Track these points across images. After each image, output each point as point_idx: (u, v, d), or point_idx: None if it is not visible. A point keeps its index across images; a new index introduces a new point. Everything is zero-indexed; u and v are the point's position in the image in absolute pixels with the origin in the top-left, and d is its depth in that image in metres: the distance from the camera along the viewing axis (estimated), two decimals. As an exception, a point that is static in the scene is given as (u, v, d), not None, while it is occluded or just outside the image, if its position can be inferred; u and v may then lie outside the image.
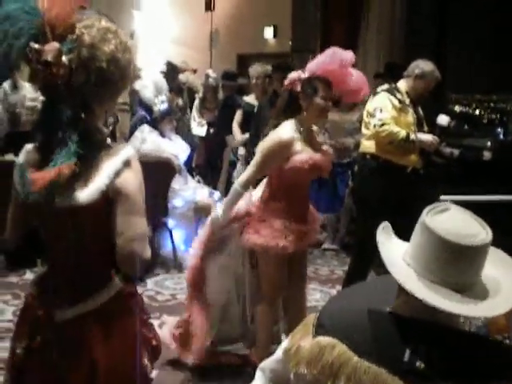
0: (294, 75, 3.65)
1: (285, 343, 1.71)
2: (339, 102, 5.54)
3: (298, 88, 3.59)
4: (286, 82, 3.68)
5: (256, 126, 6.06)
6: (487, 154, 5.83)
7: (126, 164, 1.89)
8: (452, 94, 7.71)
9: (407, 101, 4.54)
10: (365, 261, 4.60)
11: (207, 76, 7.24)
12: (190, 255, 3.83)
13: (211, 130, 6.99)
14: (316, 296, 5.17)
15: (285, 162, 3.47)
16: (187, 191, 5.70)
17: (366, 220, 4.14)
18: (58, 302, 1.95)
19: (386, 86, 4.61)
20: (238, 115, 6.46)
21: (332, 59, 3.65)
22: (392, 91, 4.53)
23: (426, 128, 4.70)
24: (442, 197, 5.00)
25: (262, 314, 3.74)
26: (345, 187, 6.41)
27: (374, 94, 4.61)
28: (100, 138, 1.96)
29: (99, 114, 1.97)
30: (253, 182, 3.63)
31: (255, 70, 6.43)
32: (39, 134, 1.94)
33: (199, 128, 7.13)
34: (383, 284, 1.69)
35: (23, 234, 2.13)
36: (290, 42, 9.45)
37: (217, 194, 6.07)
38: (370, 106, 4.56)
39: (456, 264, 1.50)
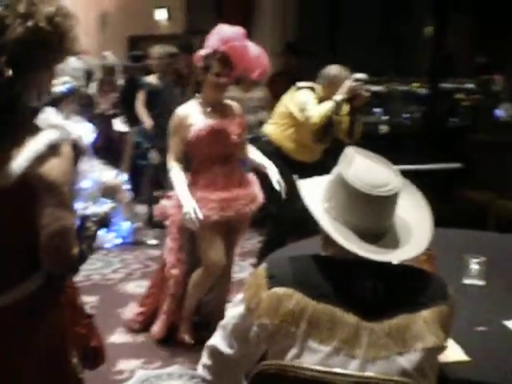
0: (198, 53, 3.77)
1: (239, 298, 1.79)
2: (240, 80, 5.65)
3: (200, 65, 3.74)
4: (195, 61, 3.79)
5: (160, 105, 6.12)
6: (383, 128, 6.16)
7: (53, 149, 1.67)
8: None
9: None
10: (281, 231, 4.80)
11: (104, 58, 7.17)
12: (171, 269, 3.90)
13: (112, 112, 6.93)
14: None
15: (187, 135, 3.67)
16: (94, 172, 5.67)
17: (273, 191, 4.28)
18: None
19: (306, 84, 4.73)
20: (141, 96, 6.46)
21: (218, 36, 3.76)
22: (313, 90, 4.70)
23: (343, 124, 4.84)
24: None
25: (192, 283, 3.87)
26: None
27: (297, 88, 4.72)
28: (28, 113, 1.76)
29: (31, 84, 1.74)
30: (178, 158, 3.71)
31: (156, 51, 6.46)
32: None
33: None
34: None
35: None
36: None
37: (124, 176, 6.08)
38: (296, 100, 4.66)
39: (370, 212, 1.67)
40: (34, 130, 1.71)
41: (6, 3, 1.68)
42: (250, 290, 1.74)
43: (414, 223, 1.78)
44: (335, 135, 4.89)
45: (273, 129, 4.83)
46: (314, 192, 1.79)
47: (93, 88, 7.20)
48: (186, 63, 5.88)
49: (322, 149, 4.92)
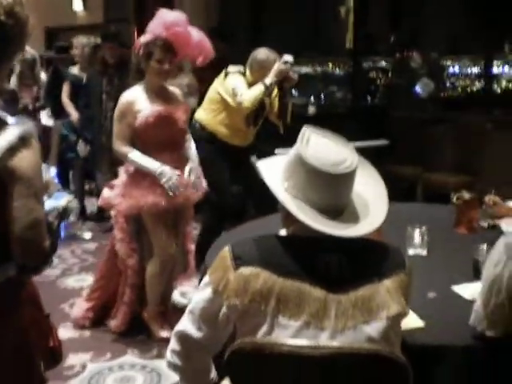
0: (138, 40, 3.74)
1: (205, 282, 1.80)
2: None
3: (141, 53, 3.70)
4: (135, 47, 3.75)
5: (86, 97, 6.03)
6: (312, 109, 6.25)
7: (23, 141, 1.67)
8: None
9: None
10: (219, 217, 4.84)
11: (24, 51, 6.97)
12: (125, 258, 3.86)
13: (37, 105, 6.78)
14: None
15: (134, 122, 3.64)
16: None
17: (210, 177, 4.30)
18: None
19: (236, 69, 4.74)
20: (66, 87, 6.33)
21: (160, 21, 3.74)
22: (244, 74, 4.72)
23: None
24: (276, 150, 5.31)
25: (150, 275, 3.87)
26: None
27: (227, 73, 4.72)
28: None
29: None
30: (127, 143, 3.68)
31: (79, 41, 6.35)
32: None
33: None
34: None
35: None
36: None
37: (52, 169, 5.96)
38: (227, 85, 4.66)
39: (329, 190, 1.73)
40: (2, 120, 1.70)
41: None
42: (216, 272, 1.76)
43: (371, 198, 1.85)
44: (266, 118, 4.95)
45: (204, 114, 4.84)
46: (273, 172, 1.83)
47: (13, 82, 7.02)
48: (112, 52, 5.79)
49: (254, 133, 4.97)
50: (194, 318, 1.82)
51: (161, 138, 3.68)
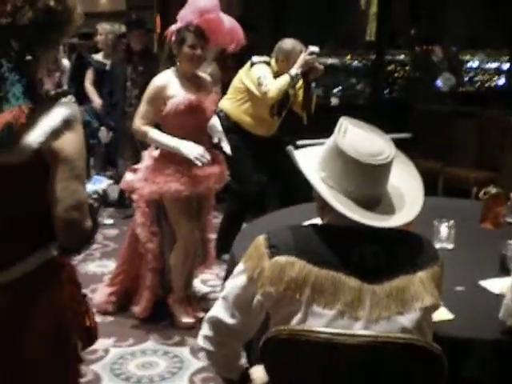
0: (171, 28, 3.75)
1: (239, 269, 1.82)
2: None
3: (173, 39, 3.72)
4: (167, 35, 3.76)
5: (110, 83, 6.05)
6: (334, 100, 6.25)
7: (67, 124, 1.70)
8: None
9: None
10: (241, 206, 4.87)
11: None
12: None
13: (59, 91, 6.79)
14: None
15: (163, 107, 3.64)
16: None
17: (234, 167, 4.33)
18: None
19: (262, 59, 4.74)
20: (90, 74, 6.36)
21: (192, 8, 3.75)
22: (269, 64, 4.73)
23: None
24: (298, 142, 5.32)
25: (174, 261, 3.90)
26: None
27: (253, 63, 4.73)
28: (41, 90, 1.79)
29: (42, 62, 1.79)
30: (150, 126, 3.70)
31: (103, 27, 6.36)
32: None
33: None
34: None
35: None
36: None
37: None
38: (252, 74, 4.67)
39: (366, 181, 1.74)
40: (48, 103, 1.72)
41: None
42: (251, 260, 1.78)
43: (406, 190, 1.86)
44: (290, 109, 4.96)
45: (229, 104, 4.86)
46: (309, 162, 1.84)
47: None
48: (138, 39, 5.81)
49: (278, 123, 4.98)
50: (228, 305, 1.84)
51: (188, 126, 3.69)
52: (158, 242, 3.88)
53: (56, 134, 1.68)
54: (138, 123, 3.70)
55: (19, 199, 1.74)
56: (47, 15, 1.71)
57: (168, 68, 3.76)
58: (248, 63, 4.78)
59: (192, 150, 3.61)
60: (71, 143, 1.71)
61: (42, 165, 1.70)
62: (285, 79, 4.54)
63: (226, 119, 4.78)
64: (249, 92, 4.72)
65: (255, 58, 4.77)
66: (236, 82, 4.86)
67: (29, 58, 1.72)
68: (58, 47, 1.90)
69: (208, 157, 3.65)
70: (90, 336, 2.03)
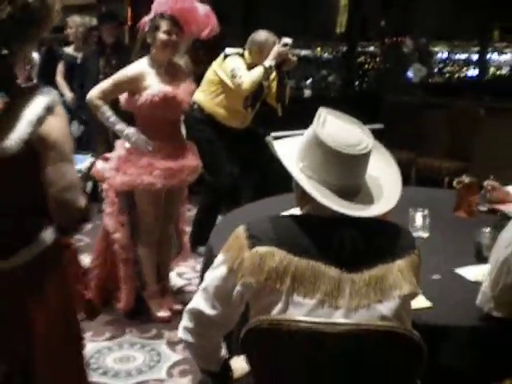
0: (144, 18, 3.73)
1: (219, 260, 1.82)
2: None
3: (147, 28, 3.69)
4: (140, 26, 3.74)
5: (81, 76, 6.00)
6: (307, 92, 6.26)
7: (49, 110, 1.78)
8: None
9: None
10: (215, 198, 4.87)
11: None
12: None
13: (29, 85, 6.71)
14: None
15: (138, 97, 3.60)
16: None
17: (207, 159, 4.32)
18: None
19: (235, 51, 4.73)
20: (61, 67, 6.28)
21: None
22: (242, 56, 4.71)
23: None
24: (272, 134, 5.32)
25: (141, 255, 3.88)
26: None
27: (224, 56, 4.71)
28: (18, 83, 1.85)
29: (19, 57, 1.83)
30: (105, 101, 3.67)
31: (73, 20, 6.30)
32: None
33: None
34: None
35: None
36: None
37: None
38: (226, 66, 4.65)
39: (345, 171, 1.75)
40: (25, 94, 1.81)
41: None
42: (230, 251, 1.77)
43: (384, 180, 1.87)
44: (264, 100, 4.96)
45: (203, 96, 4.84)
46: (288, 152, 1.84)
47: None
48: (110, 32, 5.77)
49: (252, 115, 4.98)
50: (208, 296, 1.84)
51: (161, 117, 3.67)
52: (126, 233, 3.80)
53: (41, 121, 1.76)
54: (96, 95, 3.63)
55: (18, 189, 1.83)
56: (26, 11, 1.75)
57: (141, 57, 3.71)
58: (221, 55, 4.76)
59: (137, 138, 3.61)
60: (57, 127, 1.79)
61: (33, 152, 1.77)
62: (259, 71, 4.53)
63: (199, 111, 4.77)
64: (222, 84, 4.71)
65: (228, 50, 4.75)
66: (209, 74, 4.84)
67: (5, 52, 1.76)
68: (35, 42, 1.92)
69: (151, 143, 3.64)
70: (94, 309, 2.19)
